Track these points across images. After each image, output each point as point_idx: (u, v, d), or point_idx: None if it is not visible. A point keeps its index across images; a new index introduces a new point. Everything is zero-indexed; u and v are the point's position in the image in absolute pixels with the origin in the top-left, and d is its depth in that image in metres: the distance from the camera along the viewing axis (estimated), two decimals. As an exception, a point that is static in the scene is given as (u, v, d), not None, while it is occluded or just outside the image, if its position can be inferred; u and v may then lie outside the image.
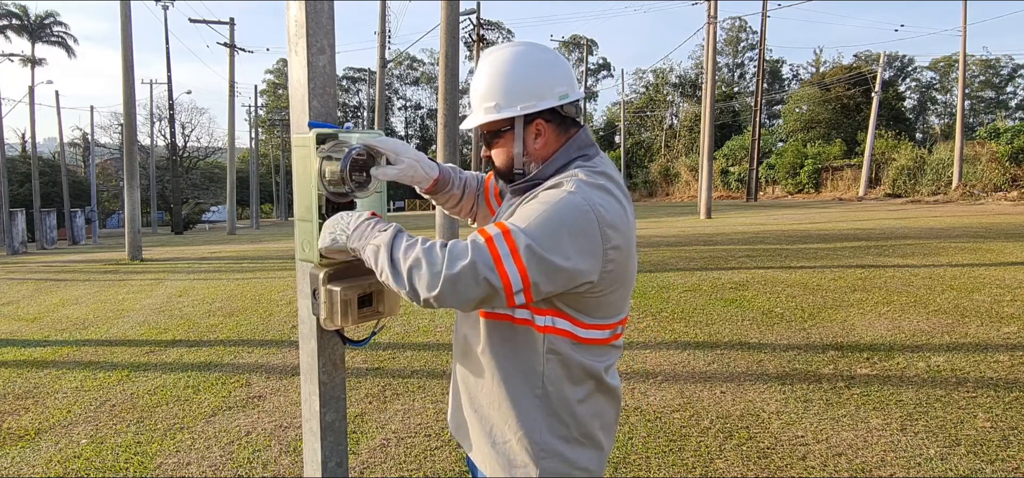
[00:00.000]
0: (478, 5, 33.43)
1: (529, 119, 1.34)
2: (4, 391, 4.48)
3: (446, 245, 1.20)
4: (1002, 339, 4.74)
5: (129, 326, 6.57)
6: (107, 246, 23.61)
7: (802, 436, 3.25)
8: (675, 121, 55.21)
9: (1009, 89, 52.81)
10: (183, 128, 49.59)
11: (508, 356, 1.33)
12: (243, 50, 32.78)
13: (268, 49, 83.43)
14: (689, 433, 3.34)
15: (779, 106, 53.56)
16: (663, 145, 52.95)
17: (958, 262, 8.18)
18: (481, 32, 34.30)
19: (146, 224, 41.83)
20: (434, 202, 1.69)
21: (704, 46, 25.87)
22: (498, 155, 1.40)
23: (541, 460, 1.31)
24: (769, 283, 7.27)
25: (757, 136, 34.11)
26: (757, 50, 39.83)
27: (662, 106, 56.34)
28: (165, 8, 33.08)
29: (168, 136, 42.84)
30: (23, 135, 43.74)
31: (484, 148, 1.44)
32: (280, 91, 60.93)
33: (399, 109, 68.16)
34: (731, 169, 40.51)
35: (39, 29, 40.84)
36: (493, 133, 1.39)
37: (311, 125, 1.44)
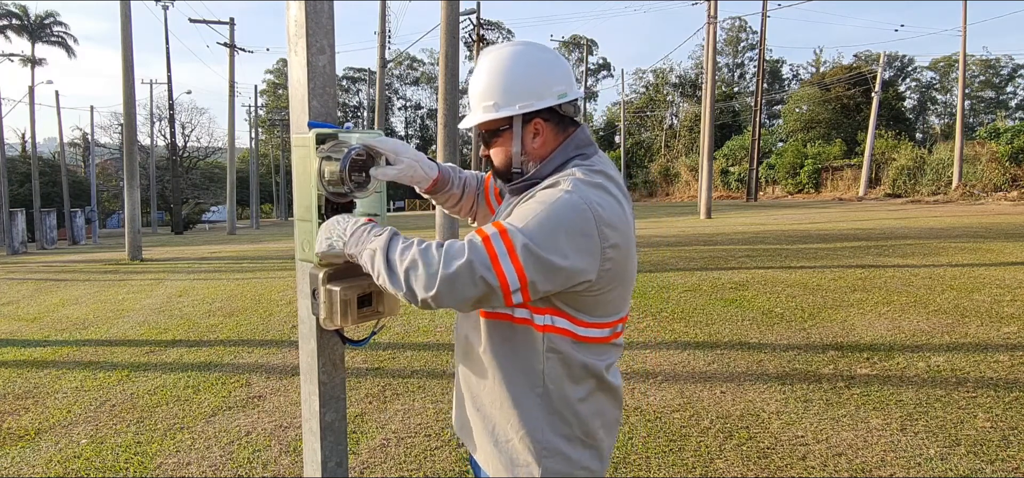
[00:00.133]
0: (478, 5, 33.48)
1: (527, 118, 1.34)
2: (4, 391, 4.49)
3: (442, 245, 1.20)
4: (1002, 339, 4.73)
5: (129, 326, 6.57)
6: (107, 246, 23.61)
7: (802, 436, 3.25)
8: (675, 121, 55.20)
9: (1009, 89, 52.86)
10: (183, 128, 49.64)
11: (509, 355, 1.33)
12: (243, 50, 32.82)
13: (268, 49, 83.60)
14: (689, 433, 3.34)
15: (779, 106, 53.57)
16: (663, 145, 52.93)
17: (958, 262, 8.18)
18: (481, 32, 34.32)
19: (146, 224, 41.84)
20: (434, 202, 1.68)
21: (704, 46, 25.89)
22: (496, 154, 1.40)
23: (543, 459, 1.31)
24: (769, 283, 7.27)
25: (757, 136, 34.11)
26: (757, 50, 39.85)
27: (662, 106, 56.33)
28: (165, 8, 33.11)
29: (168, 136, 42.89)
30: (23, 135, 43.80)
31: (482, 147, 1.44)
32: (280, 91, 60.93)
33: (399, 109, 68.19)
34: (731, 169, 40.52)
35: (39, 29, 40.85)
36: (491, 132, 1.39)
37: (311, 125, 1.44)
